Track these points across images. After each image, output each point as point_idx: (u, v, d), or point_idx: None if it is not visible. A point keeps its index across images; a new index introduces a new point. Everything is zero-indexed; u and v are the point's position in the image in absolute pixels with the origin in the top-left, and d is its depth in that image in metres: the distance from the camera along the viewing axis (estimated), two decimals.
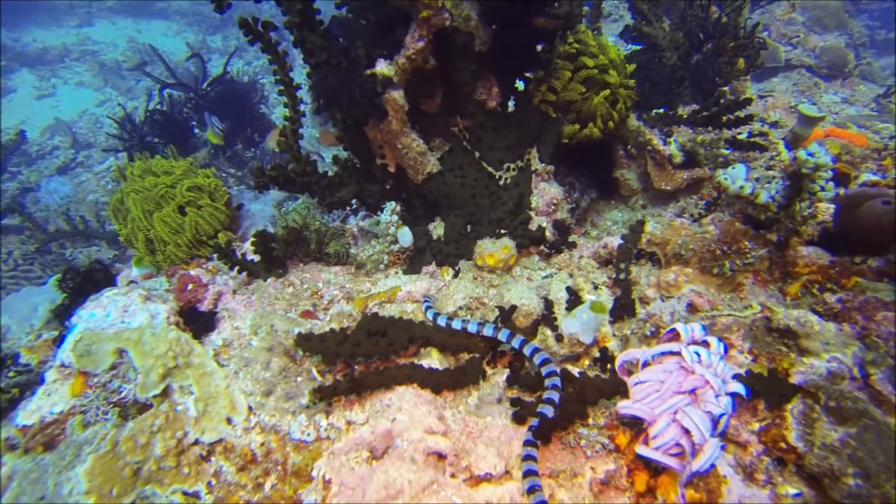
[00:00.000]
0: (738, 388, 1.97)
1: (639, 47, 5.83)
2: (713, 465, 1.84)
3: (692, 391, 1.91)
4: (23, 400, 2.62)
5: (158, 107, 8.02)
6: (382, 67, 3.01)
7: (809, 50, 9.42)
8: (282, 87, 3.07)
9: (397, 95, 3.09)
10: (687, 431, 1.81)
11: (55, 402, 2.39)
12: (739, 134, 4.57)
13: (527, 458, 2.03)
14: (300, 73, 3.36)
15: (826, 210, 3.52)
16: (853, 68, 9.31)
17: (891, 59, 10.26)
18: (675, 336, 2.18)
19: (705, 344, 2.09)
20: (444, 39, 3.08)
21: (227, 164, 8.64)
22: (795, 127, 5.07)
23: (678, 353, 1.98)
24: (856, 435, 1.90)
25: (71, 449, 2.24)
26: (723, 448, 1.87)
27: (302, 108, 3.28)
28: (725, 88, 6.04)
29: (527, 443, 2.09)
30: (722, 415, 1.85)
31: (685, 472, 1.79)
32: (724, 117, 4.41)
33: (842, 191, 4.05)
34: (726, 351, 2.23)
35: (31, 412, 2.38)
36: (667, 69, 5.59)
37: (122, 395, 2.38)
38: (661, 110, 4.97)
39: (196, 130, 8.49)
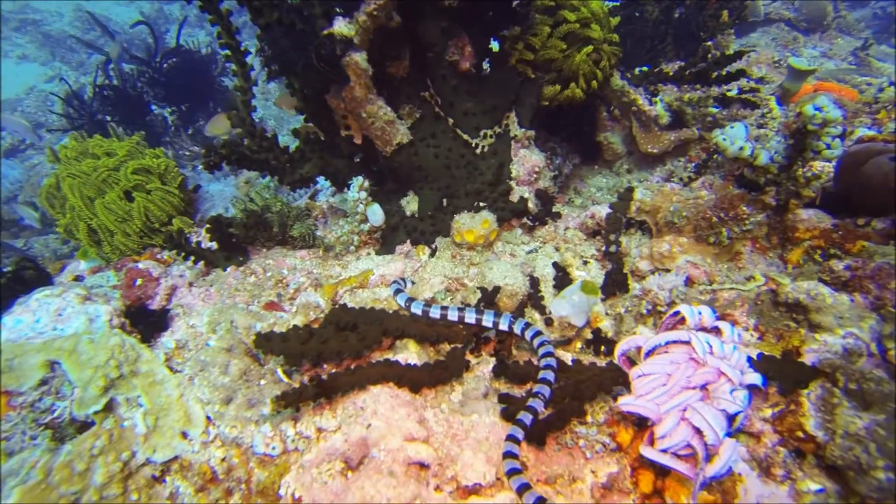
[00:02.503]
0: (755, 379, 1.76)
1: (617, 3, 5.50)
2: (729, 470, 1.65)
3: (703, 386, 1.70)
4: None
5: (108, 81, 7.44)
6: (341, 27, 2.65)
7: (789, 2, 9.20)
8: (228, 53, 2.69)
9: (359, 58, 2.74)
10: (698, 431, 1.60)
11: None
12: (729, 91, 4.31)
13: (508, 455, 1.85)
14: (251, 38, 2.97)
15: (824, 169, 3.32)
16: (831, 21, 9.13)
17: (865, 11, 10.11)
18: (680, 321, 1.95)
19: (716, 330, 1.87)
20: None
21: (189, 141, 8.13)
22: (784, 82, 4.83)
23: (687, 342, 1.76)
24: (885, 423, 1.71)
25: None
26: (739, 454, 1.67)
27: (254, 75, 2.92)
28: (710, 43, 5.77)
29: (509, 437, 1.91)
30: (738, 412, 1.64)
31: (698, 480, 1.58)
32: (713, 73, 4.14)
33: None
34: (741, 337, 2.02)
35: None
36: (649, 24, 5.29)
37: (56, 414, 2.08)
38: (645, 68, 4.69)
39: (154, 107, 7.93)
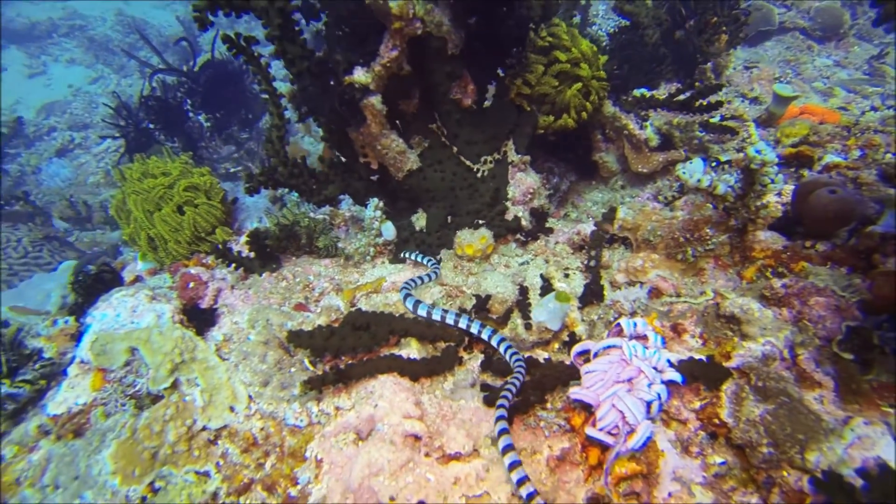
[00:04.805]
0: (674, 376, 2.25)
1: (627, 22, 5.88)
2: (646, 443, 2.14)
3: (629, 380, 2.19)
4: (48, 391, 2.95)
5: (152, 92, 8.12)
6: (359, 75, 3.19)
7: (804, 11, 9.35)
8: (266, 97, 3.25)
9: (375, 101, 3.27)
10: (623, 415, 2.10)
11: (79, 395, 2.71)
12: (712, 118, 4.72)
13: (506, 449, 2.26)
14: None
15: (787, 193, 3.75)
16: (848, 29, 9.25)
17: None
18: (620, 330, 2.45)
19: (645, 338, 2.36)
20: (419, 44, 3.24)
21: (222, 145, 8.80)
22: (770, 106, 5.21)
23: (620, 347, 2.25)
24: (772, 410, 2.18)
25: (97, 436, 2.57)
26: (652, 432, 2.15)
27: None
28: (707, 65, 6.14)
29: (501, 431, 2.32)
30: (652, 401, 2.13)
31: (616, 449, 2.09)
32: (696, 102, 4.56)
33: (806, 173, 4.26)
34: (664, 343, 2.50)
35: (58, 403, 2.71)
36: (648, 47, 5.67)
37: (137, 388, 2.69)
38: (644, 90, 5.10)
39: (191, 114, 8.59)
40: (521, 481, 2.09)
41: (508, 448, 2.21)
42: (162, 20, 16.95)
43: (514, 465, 2.15)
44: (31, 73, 14.57)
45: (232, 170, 8.55)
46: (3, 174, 9.70)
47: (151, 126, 8.05)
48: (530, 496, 2.03)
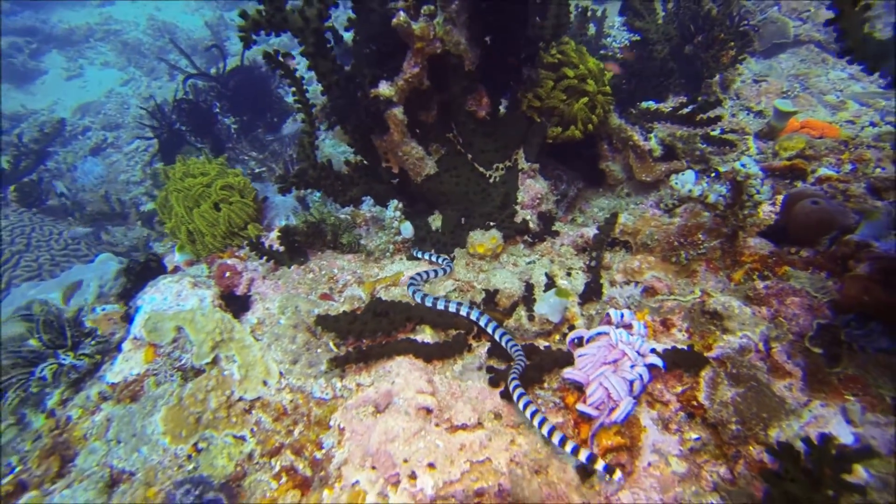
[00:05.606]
0: (655, 360, 2.55)
1: (638, 37, 6.14)
2: (627, 417, 2.44)
3: (615, 361, 2.49)
4: (103, 364, 3.34)
5: (184, 96, 8.58)
6: (384, 89, 3.54)
7: (820, 24, 9.47)
8: (299, 106, 3.61)
9: (397, 112, 3.62)
10: (608, 392, 2.41)
11: (133, 366, 3.09)
12: (712, 131, 4.99)
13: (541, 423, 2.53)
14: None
15: (775, 203, 4.02)
16: None
17: None
18: (610, 319, 2.75)
19: (630, 326, 2.66)
20: (438, 61, 3.59)
21: (248, 147, 9.23)
22: (771, 120, 5.47)
23: (608, 334, 2.56)
24: (742, 393, 2.47)
25: (149, 401, 2.94)
26: (635, 404, 2.46)
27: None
28: (715, 79, 6.40)
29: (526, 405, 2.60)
30: (633, 380, 2.43)
31: (599, 420, 2.39)
32: (698, 116, 4.84)
33: (799, 184, 4.51)
34: (647, 331, 2.80)
35: (116, 373, 3.10)
36: (657, 62, 5.94)
37: (183, 362, 3.06)
38: (651, 102, 5.37)
39: (219, 117, 9.04)
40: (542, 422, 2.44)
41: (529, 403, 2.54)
42: (191, 24, 17.58)
43: (534, 414, 2.48)
44: (68, 75, 15.26)
45: (257, 170, 8.97)
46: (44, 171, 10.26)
47: (183, 128, 8.52)
48: (550, 431, 2.39)
